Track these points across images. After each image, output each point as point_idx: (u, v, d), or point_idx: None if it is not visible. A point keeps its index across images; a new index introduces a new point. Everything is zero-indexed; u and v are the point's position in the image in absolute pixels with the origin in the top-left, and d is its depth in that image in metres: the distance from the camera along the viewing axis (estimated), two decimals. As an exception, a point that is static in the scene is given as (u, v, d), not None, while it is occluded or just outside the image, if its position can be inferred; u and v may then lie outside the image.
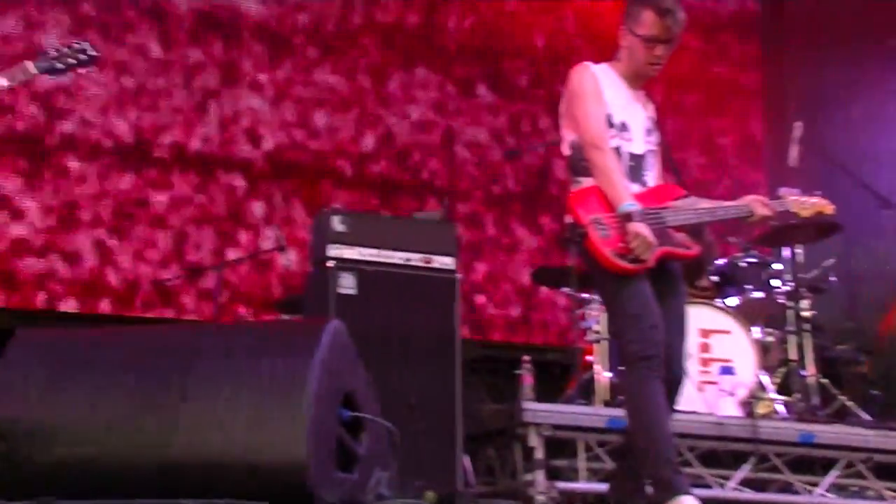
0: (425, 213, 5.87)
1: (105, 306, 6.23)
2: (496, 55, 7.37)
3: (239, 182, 6.61)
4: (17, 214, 6.12)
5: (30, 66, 3.37)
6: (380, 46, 7.08)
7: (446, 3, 7.30)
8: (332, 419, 2.86)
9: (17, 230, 6.12)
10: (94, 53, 3.49)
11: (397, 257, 4.70)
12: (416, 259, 4.72)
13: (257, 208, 6.61)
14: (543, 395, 4.94)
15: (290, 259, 5.75)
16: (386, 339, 4.45)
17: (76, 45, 3.47)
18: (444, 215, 5.16)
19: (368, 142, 6.96)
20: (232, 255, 6.33)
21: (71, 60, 3.44)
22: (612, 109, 3.62)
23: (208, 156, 6.57)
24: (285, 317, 5.79)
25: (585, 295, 5.46)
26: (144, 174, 6.42)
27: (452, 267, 4.76)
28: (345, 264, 4.55)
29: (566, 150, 3.69)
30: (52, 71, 3.42)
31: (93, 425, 2.85)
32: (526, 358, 4.95)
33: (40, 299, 6.10)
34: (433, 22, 7.26)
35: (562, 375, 5.61)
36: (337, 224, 4.63)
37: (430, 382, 4.52)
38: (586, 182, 3.58)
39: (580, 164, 3.60)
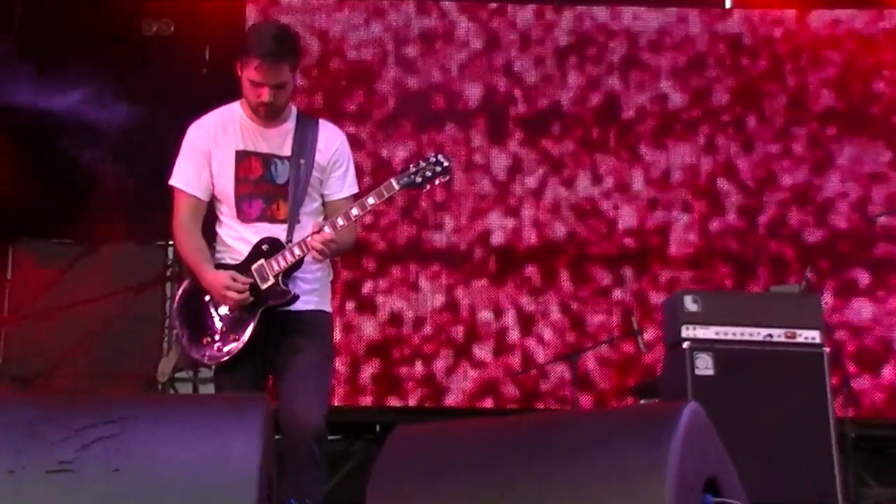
0: (783, 286, 5.61)
1: (485, 402, 6.51)
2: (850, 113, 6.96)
3: (599, 272, 6.68)
4: (396, 319, 6.58)
5: (393, 182, 3.57)
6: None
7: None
8: (695, 506, 2.75)
9: (388, 331, 6.58)
10: (447, 164, 3.63)
11: (757, 334, 4.51)
12: (778, 335, 4.50)
13: (615, 293, 6.64)
14: (935, 476, 4.49)
15: (644, 343, 5.69)
16: (749, 420, 4.27)
17: (432, 159, 3.63)
18: (807, 286, 4.90)
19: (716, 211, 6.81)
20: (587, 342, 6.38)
21: (428, 173, 3.61)
22: None
23: (555, 246, 6.73)
24: (642, 401, 5.71)
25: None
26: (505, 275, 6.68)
27: (819, 341, 4.51)
28: (700, 345, 4.44)
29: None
30: (412, 185, 3.60)
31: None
32: (914, 436, 4.54)
33: (415, 396, 6.49)
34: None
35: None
36: (690, 304, 4.54)
37: (802, 466, 4.26)
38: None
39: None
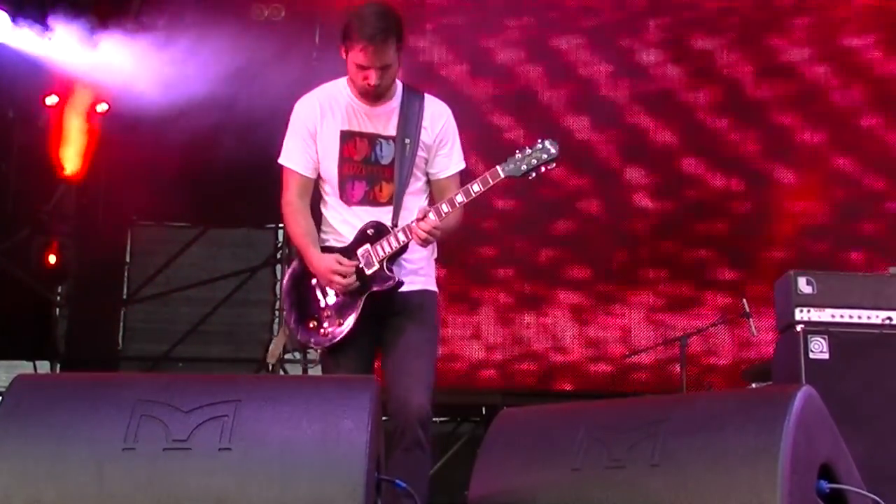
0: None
1: (578, 383, 6.46)
2: None
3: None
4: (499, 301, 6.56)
5: (499, 169, 3.53)
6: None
7: None
8: (808, 492, 2.68)
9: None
10: (555, 151, 3.56)
11: (875, 317, 4.37)
12: (898, 318, 4.36)
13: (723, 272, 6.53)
14: None
15: (755, 325, 5.55)
16: (866, 406, 4.13)
17: (539, 145, 3.57)
18: (927, 267, 4.71)
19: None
20: (696, 324, 6.27)
21: (534, 161, 3.54)
22: None
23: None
24: (753, 385, 5.59)
25: None
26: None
27: (943, 325, 4.33)
28: (815, 328, 4.31)
29: None
30: (517, 173, 3.54)
31: (567, 497, 2.91)
32: None
33: (520, 379, 6.49)
34: None
35: None
36: (804, 285, 4.41)
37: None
38: None
39: None
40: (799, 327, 4.33)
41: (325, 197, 3.72)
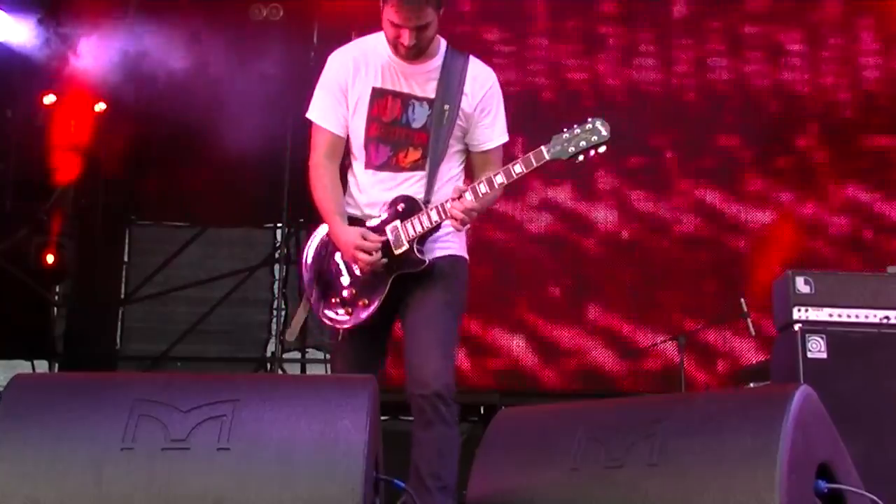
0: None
1: (576, 382, 6.46)
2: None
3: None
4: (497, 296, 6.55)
5: (544, 151, 3.22)
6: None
7: None
8: (806, 491, 2.68)
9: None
10: (606, 133, 3.19)
11: (873, 316, 4.37)
12: (895, 317, 4.36)
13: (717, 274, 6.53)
14: None
15: (753, 325, 5.55)
16: (864, 406, 4.13)
17: (588, 125, 3.22)
18: (926, 266, 4.72)
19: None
20: (693, 324, 6.28)
21: (583, 143, 3.20)
22: None
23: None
24: (751, 385, 5.59)
25: None
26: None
27: (940, 324, 4.33)
28: (813, 327, 4.32)
29: None
30: (563, 155, 3.20)
31: (565, 496, 2.91)
32: None
33: (518, 378, 6.49)
34: None
35: None
36: (801, 285, 4.42)
37: (920, 452, 4.11)
38: None
39: None
40: (797, 327, 4.33)
41: (352, 160, 3.43)
